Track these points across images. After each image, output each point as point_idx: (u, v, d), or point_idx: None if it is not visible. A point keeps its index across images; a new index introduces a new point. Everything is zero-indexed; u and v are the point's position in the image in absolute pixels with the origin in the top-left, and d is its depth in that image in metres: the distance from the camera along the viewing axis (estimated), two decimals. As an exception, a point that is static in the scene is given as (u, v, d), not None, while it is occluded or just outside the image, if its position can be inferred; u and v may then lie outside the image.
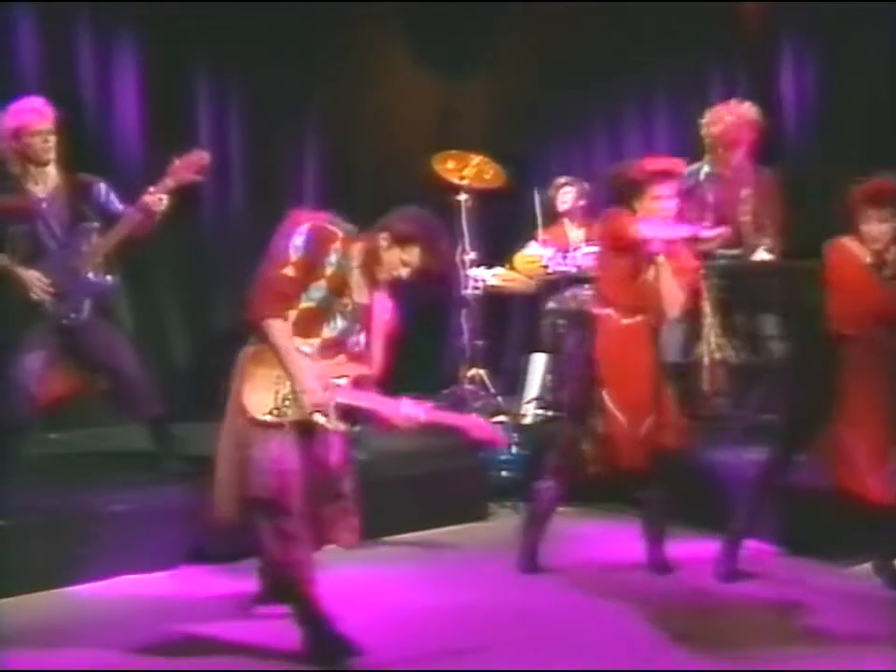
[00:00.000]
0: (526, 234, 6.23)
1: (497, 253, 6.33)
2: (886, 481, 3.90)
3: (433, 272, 3.64)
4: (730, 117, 5.34)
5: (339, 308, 3.61)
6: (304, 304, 3.54)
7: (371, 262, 3.61)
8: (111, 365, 4.74)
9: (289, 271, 3.48)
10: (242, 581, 4.02)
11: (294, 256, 3.49)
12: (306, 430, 3.57)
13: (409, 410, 3.55)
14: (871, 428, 3.92)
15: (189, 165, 4.55)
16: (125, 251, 4.77)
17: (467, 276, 6.13)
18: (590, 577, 4.31)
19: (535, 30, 7.20)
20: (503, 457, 5.39)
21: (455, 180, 6.14)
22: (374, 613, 3.88)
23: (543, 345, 5.93)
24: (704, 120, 5.44)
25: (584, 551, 4.60)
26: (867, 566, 4.20)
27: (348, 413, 3.64)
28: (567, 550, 4.52)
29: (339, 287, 3.58)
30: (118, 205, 4.70)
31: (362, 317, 3.65)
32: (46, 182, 4.65)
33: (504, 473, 5.40)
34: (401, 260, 3.58)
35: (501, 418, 5.74)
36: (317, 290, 3.55)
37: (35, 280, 4.56)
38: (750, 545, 4.30)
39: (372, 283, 3.66)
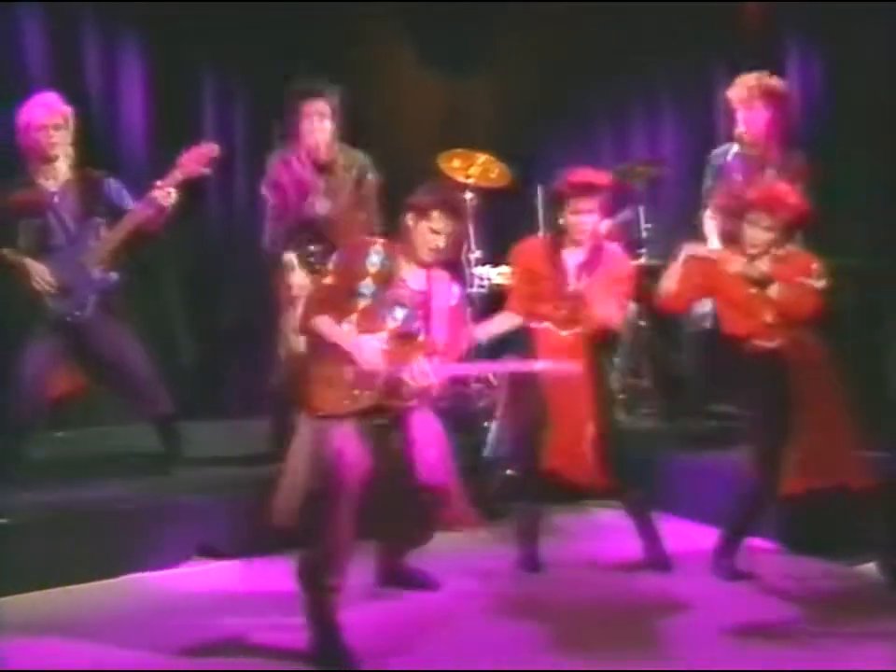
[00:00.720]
0: (531, 233, 6.22)
1: (502, 251, 6.32)
2: (861, 467, 3.97)
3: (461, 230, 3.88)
4: (754, 81, 5.17)
5: (394, 299, 3.82)
6: (361, 304, 3.79)
7: (408, 245, 3.85)
8: (116, 363, 4.76)
9: (329, 279, 3.87)
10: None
11: (332, 266, 3.89)
12: (375, 423, 3.74)
13: (418, 369, 3.66)
14: (831, 426, 3.98)
15: (198, 157, 4.58)
16: (135, 247, 4.79)
17: (472, 275, 6.13)
18: (591, 575, 4.33)
19: (538, 29, 7.20)
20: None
21: (461, 179, 6.14)
22: (375, 611, 3.90)
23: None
24: (730, 92, 5.21)
25: (586, 548, 4.61)
26: (870, 565, 4.19)
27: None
28: (568, 547, 4.55)
29: (387, 281, 3.82)
30: (129, 201, 4.72)
31: (421, 303, 3.85)
32: (56, 177, 4.68)
33: (509, 472, 5.39)
34: (430, 230, 3.81)
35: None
36: (367, 287, 3.81)
37: (41, 273, 4.59)
38: (751, 543, 4.30)
39: (421, 265, 3.87)
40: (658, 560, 4.34)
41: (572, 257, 4.32)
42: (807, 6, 5.89)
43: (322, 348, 3.79)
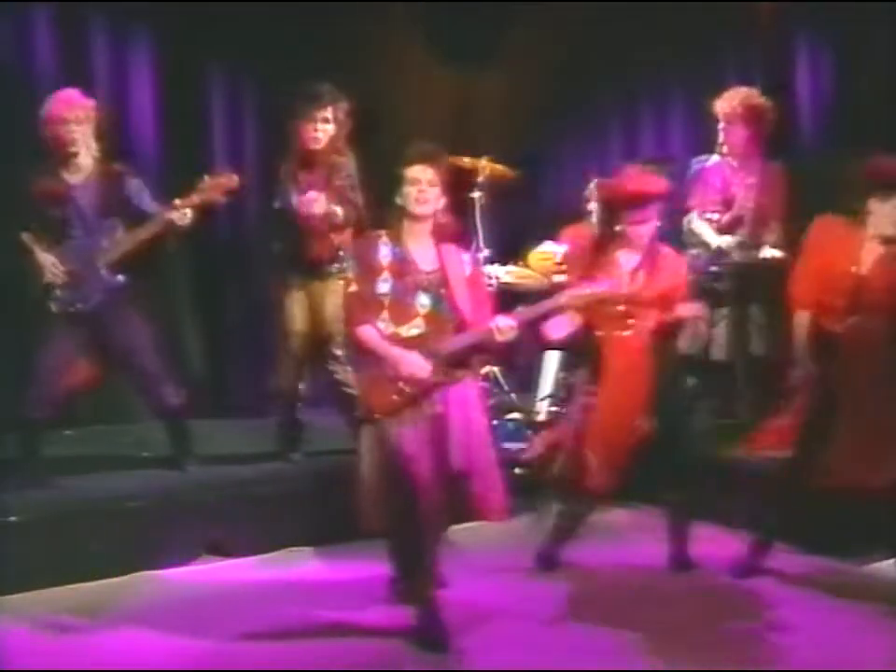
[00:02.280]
0: (540, 232, 6.23)
1: (510, 250, 6.34)
2: (880, 470, 3.91)
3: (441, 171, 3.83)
4: (739, 97, 5.36)
5: (415, 285, 3.84)
6: (386, 300, 3.82)
7: (406, 215, 3.84)
8: (124, 356, 4.79)
9: (352, 287, 3.89)
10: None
11: (352, 272, 3.95)
12: (427, 419, 3.76)
13: (502, 323, 3.76)
14: (861, 420, 3.93)
15: (218, 186, 4.68)
16: (143, 253, 4.81)
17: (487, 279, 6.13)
18: (606, 575, 4.33)
19: (548, 27, 7.19)
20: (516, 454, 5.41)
21: (470, 177, 6.14)
22: (388, 611, 3.90)
23: (557, 343, 5.92)
24: (717, 105, 5.43)
25: (600, 549, 4.59)
26: (883, 563, 4.20)
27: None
28: (584, 547, 4.50)
29: (402, 270, 3.84)
30: (148, 202, 4.77)
31: (440, 281, 3.86)
32: (79, 170, 4.74)
33: (517, 470, 5.40)
34: (409, 182, 3.81)
35: (515, 415, 5.75)
36: (385, 283, 3.83)
37: (50, 263, 4.64)
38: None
39: (416, 220, 3.86)
40: (680, 563, 4.31)
41: (627, 260, 4.25)
42: (817, 5, 5.89)
43: (364, 352, 3.86)
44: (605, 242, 4.29)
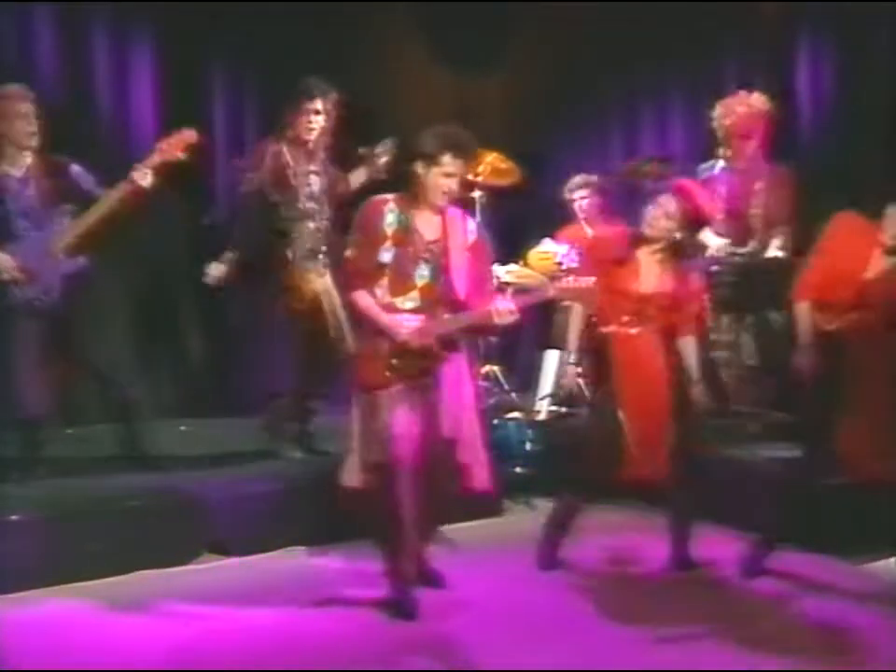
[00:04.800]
0: (540, 231, 6.24)
1: (511, 250, 6.34)
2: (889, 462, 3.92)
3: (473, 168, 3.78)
4: (742, 108, 5.36)
5: (416, 255, 3.82)
6: (388, 270, 3.80)
7: (423, 194, 3.81)
8: (82, 350, 4.80)
9: (350, 251, 3.88)
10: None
11: (352, 238, 3.89)
12: (418, 391, 3.78)
13: (502, 306, 3.72)
14: (871, 415, 3.93)
15: (177, 143, 4.66)
16: (109, 235, 4.77)
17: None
18: (605, 575, 4.33)
19: (550, 27, 7.20)
20: (517, 453, 5.42)
21: (470, 177, 6.13)
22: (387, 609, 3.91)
23: (557, 342, 5.93)
24: (715, 113, 5.46)
25: (601, 548, 4.60)
26: (884, 562, 4.21)
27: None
28: (584, 547, 4.51)
29: (405, 240, 3.81)
30: (93, 187, 4.73)
31: (441, 251, 3.84)
32: (20, 164, 4.70)
33: (518, 469, 5.42)
34: (443, 175, 3.80)
35: (515, 414, 5.76)
36: (387, 252, 3.80)
37: (4, 261, 4.59)
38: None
39: (435, 211, 3.85)
40: (682, 562, 4.31)
41: (644, 256, 4.22)
42: (820, 6, 5.89)
43: (361, 323, 3.88)
44: (633, 242, 4.25)
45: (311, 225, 4.99)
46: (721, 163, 5.53)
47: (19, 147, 4.67)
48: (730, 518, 4.62)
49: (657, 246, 4.20)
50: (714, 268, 5.33)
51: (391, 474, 3.73)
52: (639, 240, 4.22)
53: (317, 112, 4.97)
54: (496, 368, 6.18)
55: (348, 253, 3.90)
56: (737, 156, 5.43)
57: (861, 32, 5.75)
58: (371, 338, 3.84)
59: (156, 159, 4.61)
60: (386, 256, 3.82)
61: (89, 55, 6.05)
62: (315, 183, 5.01)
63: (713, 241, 5.36)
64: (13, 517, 4.17)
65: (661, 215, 4.16)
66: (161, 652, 3.54)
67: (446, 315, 3.84)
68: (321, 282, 4.99)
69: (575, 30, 7.07)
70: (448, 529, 4.74)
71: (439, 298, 3.84)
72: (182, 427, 5.73)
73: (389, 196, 3.90)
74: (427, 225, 3.86)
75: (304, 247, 4.97)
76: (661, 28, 6.60)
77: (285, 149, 5.00)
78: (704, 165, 5.63)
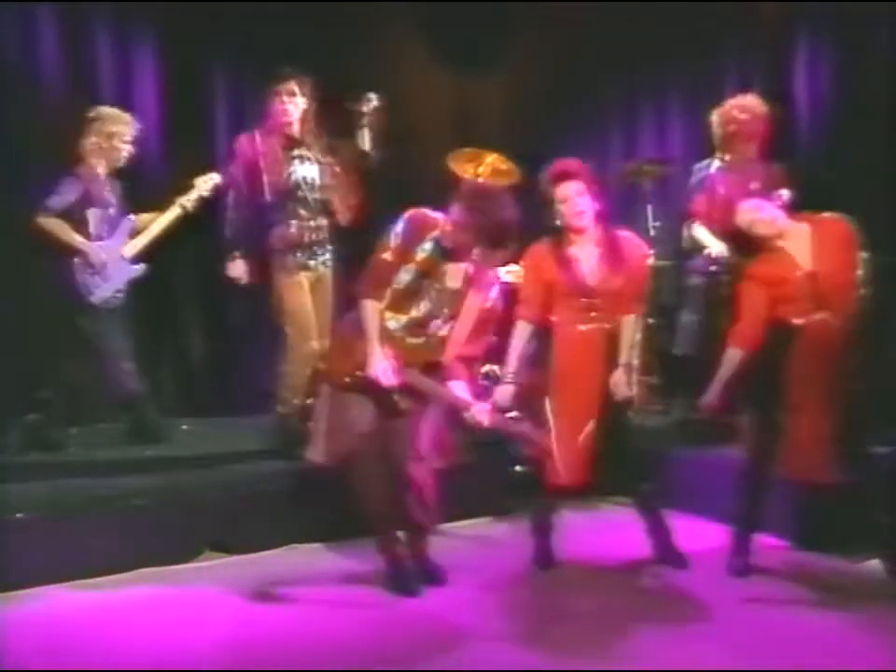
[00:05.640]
0: (540, 231, 6.24)
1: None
2: (826, 462, 3.96)
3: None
4: (744, 115, 5.36)
5: (428, 290, 3.86)
6: (395, 285, 3.84)
7: (456, 242, 3.81)
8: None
9: (388, 256, 3.84)
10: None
11: (393, 242, 3.84)
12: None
13: (479, 411, 3.80)
14: (809, 412, 3.97)
15: (209, 182, 5.37)
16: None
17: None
18: (605, 572, 4.35)
19: (550, 27, 7.21)
20: (518, 453, 5.43)
21: (471, 177, 6.16)
22: (390, 607, 3.93)
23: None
24: (714, 120, 5.47)
25: (600, 545, 4.63)
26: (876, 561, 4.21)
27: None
28: (582, 544, 4.55)
29: (429, 271, 3.84)
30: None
31: (454, 302, 3.87)
32: (108, 174, 5.32)
33: (519, 469, 5.43)
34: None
35: (514, 414, 5.76)
36: (407, 273, 3.84)
37: (94, 255, 5.13)
38: (761, 540, 4.32)
39: (463, 260, 3.87)
40: (671, 557, 4.34)
41: (582, 251, 4.24)
42: (822, 5, 5.91)
43: (353, 320, 3.92)
44: (557, 242, 4.27)
45: (302, 212, 5.01)
46: (716, 163, 5.56)
47: (108, 162, 5.26)
48: (713, 513, 4.67)
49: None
50: (712, 268, 5.36)
51: (356, 461, 3.87)
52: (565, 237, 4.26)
53: (292, 94, 5.02)
54: (496, 367, 6.18)
55: (384, 255, 3.86)
56: (737, 158, 5.46)
57: (860, 32, 5.75)
58: (350, 341, 3.88)
59: (195, 194, 5.33)
60: (406, 276, 3.85)
61: (91, 55, 6.05)
62: (303, 170, 5.02)
63: (713, 243, 5.37)
64: (17, 515, 4.19)
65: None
66: (163, 650, 3.56)
67: (430, 382, 3.89)
68: (313, 274, 5.01)
69: (575, 30, 7.07)
70: (448, 528, 4.79)
71: (419, 334, 3.89)
72: (183, 427, 5.73)
73: (440, 219, 3.87)
74: (455, 271, 3.89)
75: (295, 237, 4.99)
76: (661, 28, 6.62)
77: (261, 138, 5.04)
78: (699, 164, 5.67)
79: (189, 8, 6.04)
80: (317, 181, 5.06)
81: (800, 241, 4.13)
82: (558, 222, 4.24)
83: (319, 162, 5.09)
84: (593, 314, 4.19)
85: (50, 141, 5.51)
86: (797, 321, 4.07)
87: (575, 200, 4.16)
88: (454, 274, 3.89)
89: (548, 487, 4.24)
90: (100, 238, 5.20)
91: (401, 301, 3.87)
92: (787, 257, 4.12)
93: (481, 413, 3.81)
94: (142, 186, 5.90)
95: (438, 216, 3.89)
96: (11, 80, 5.63)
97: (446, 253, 3.85)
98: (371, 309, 3.85)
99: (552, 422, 4.17)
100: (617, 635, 3.68)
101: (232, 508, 4.62)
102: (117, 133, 5.23)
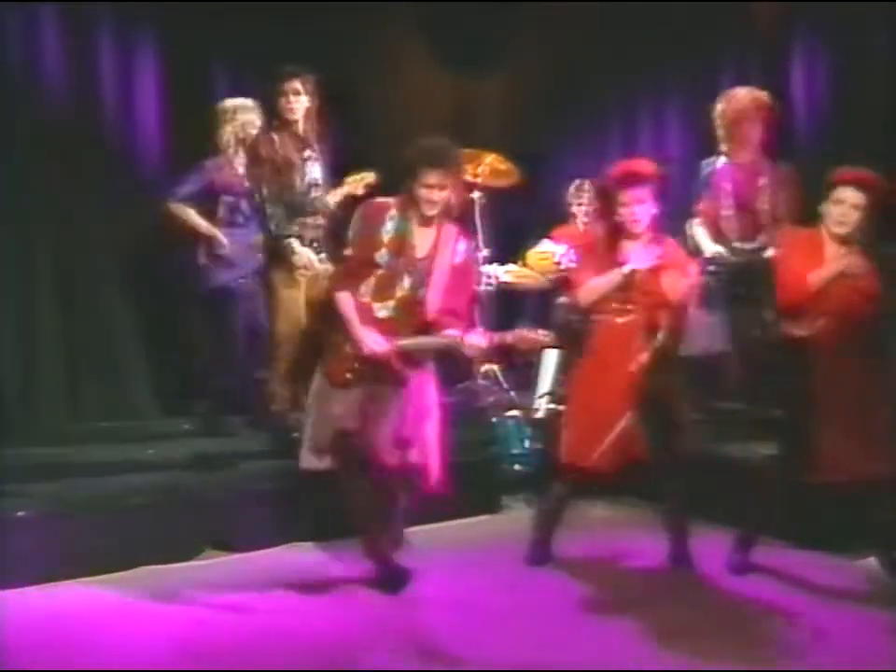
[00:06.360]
0: (540, 231, 6.28)
1: (510, 250, 6.38)
2: (868, 461, 3.97)
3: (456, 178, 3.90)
4: (748, 99, 5.32)
5: (404, 266, 3.91)
6: (378, 272, 3.91)
7: (413, 207, 3.89)
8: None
9: (349, 251, 3.99)
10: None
11: (352, 236, 4.00)
12: (375, 394, 3.90)
13: (474, 339, 3.84)
14: (844, 418, 4.00)
15: (359, 182, 5.13)
16: None
17: (480, 273, 6.17)
18: (599, 571, 4.35)
19: (550, 28, 7.23)
20: (516, 451, 5.46)
21: (469, 178, 6.17)
22: (385, 605, 3.95)
23: (556, 341, 5.96)
24: (720, 105, 5.40)
25: (594, 544, 4.63)
26: (872, 559, 4.24)
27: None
28: (577, 543, 4.56)
29: (400, 249, 3.91)
30: None
31: (427, 269, 3.93)
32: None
33: (517, 467, 5.45)
34: (423, 186, 3.87)
35: (514, 413, 5.80)
36: (382, 257, 3.91)
37: (215, 236, 5.30)
38: (761, 538, 4.32)
39: (426, 223, 3.93)
40: (681, 558, 4.32)
41: (632, 250, 4.21)
42: (819, 6, 5.92)
43: (336, 318, 3.96)
44: (609, 237, 4.26)
45: (307, 212, 5.06)
46: (722, 159, 5.51)
47: (244, 150, 5.34)
48: (715, 515, 4.66)
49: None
50: (711, 268, 5.37)
51: (340, 461, 3.92)
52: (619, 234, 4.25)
53: (297, 92, 5.06)
54: (494, 367, 6.21)
55: (347, 251, 3.99)
56: (741, 147, 5.39)
57: (858, 33, 5.77)
58: (340, 337, 3.94)
59: (345, 189, 5.12)
60: (381, 259, 3.92)
61: (92, 56, 6.07)
62: (314, 171, 5.10)
63: (707, 244, 5.39)
64: (19, 513, 4.21)
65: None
66: (165, 647, 3.57)
67: (420, 338, 3.93)
68: (311, 272, 5.05)
69: (575, 30, 7.09)
70: (446, 526, 4.81)
71: (414, 312, 3.93)
72: (185, 426, 5.75)
73: (391, 201, 3.97)
74: (421, 238, 3.96)
75: (305, 237, 5.05)
76: (660, 29, 6.63)
77: (276, 138, 5.08)
78: (706, 161, 5.60)
79: (190, 8, 6.06)
80: (321, 181, 5.12)
81: None
82: (616, 219, 4.20)
83: (321, 162, 5.15)
84: (629, 306, 4.19)
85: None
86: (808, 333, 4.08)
87: (635, 208, 4.13)
88: (422, 244, 3.96)
89: (565, 472, 4.24)
90: (231, 225, 5.36)
91: (385, 286, 3.93)
92: None
93: (476, 339, 3.86)
94: (142, 186, 5.94)
95: (388, 200, 4.00)
96: (9, 80, 5.65)
97: (409, 227, 3.92)
98: (345, 298, 3.95)
99: (581, 402, 4.22)
100: (613, 634, 3.68)
101: (233, 506, 4.64)
102: (249, 122, 5.37)
